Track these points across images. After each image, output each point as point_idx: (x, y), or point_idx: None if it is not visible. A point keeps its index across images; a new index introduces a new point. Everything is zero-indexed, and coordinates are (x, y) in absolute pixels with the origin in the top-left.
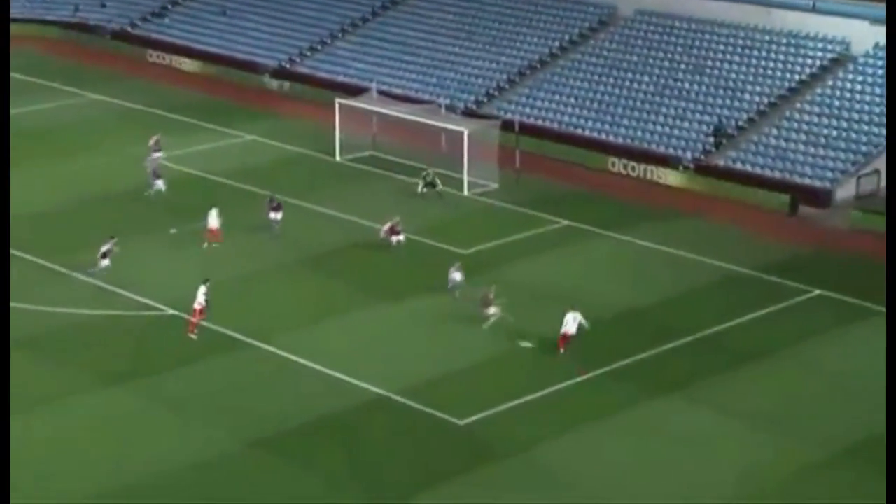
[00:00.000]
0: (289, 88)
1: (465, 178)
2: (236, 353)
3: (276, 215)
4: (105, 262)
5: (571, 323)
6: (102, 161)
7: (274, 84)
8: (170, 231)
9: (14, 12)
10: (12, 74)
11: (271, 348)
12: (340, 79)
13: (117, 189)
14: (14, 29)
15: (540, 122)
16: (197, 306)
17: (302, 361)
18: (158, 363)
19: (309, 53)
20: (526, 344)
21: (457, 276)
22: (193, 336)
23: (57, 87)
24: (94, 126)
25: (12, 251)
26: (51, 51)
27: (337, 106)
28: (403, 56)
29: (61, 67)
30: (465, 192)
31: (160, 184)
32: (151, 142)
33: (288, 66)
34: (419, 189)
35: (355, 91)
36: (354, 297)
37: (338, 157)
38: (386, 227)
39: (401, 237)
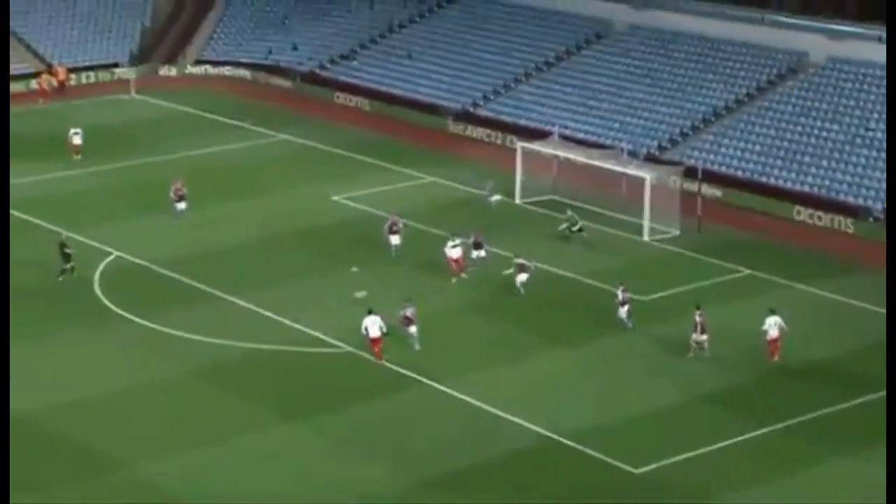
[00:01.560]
0: (470, 131)
1: (646, 224)
2: (410, 393)
3: (479, 252)
4: (412, 329)
5: (773, 327)
6: (288, 199)
7: (456, 127)
8: (351, 269)
9: (210, 55)
10: (206, 115)
11: (445, 388)
12: (522, 122)
13: (304, 226)
14: (208, 70)
15: (724, 170)
16: (374, 336)
17: (474, 402)
18: (333, 400)
19: (492, 97)
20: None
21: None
22: (382, 362)
23: (249, 127)
24: (281, 165)
25: (199, 285)
26: (242, 92)
27: (518, 149)
28: (587, 101)
29: (252, 108)
30: (646, 238)
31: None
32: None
33: (471, 109)
34: (564, 230)
35: (537, 135)
36: (528, 340)
37: (517, 200)
38: (386, 225)
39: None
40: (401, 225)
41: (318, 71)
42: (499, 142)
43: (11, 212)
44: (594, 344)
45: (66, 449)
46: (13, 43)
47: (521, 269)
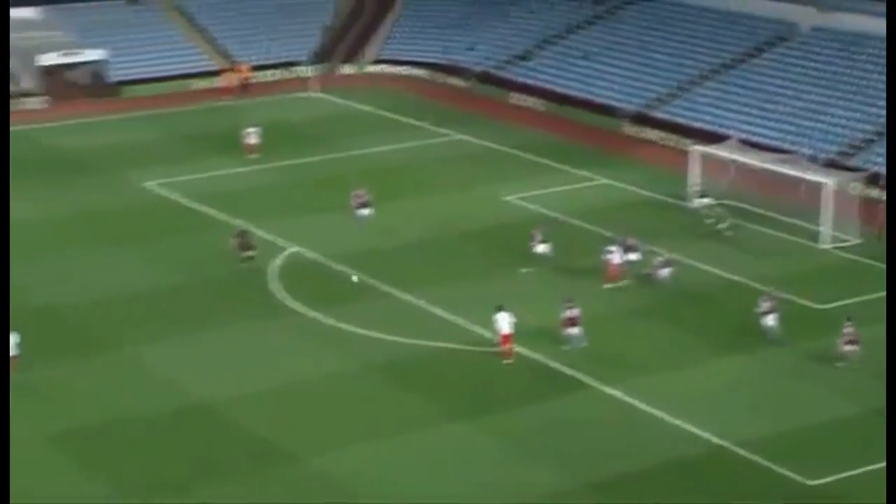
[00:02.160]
0: (645, 133)
1: (825, 230)
2: (577, 395)
3: (631, 256)
4: (575, 331)
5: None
6: (459, 199)
7: (631, 129)
8: (521, 270)
9: (388, 54)
10: (383, 113)
11: (612, 391)
12: (697, 125)
13: (475, 226)
14: (386, 69)
15: None
16: (505, 332)
17: (642, 406)
18: (500, 401)
19: (667, 99)
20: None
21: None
22: (509, 361)
23: (424, 126)
24: (454, 165)
25: (372, 281)
26: (419, 91)
27: (693, 152)
28: (764, 104)
29: (428, 107)
30: (824, 246)
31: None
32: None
33: (646, 111)
34: (710, 226)
35: (712, 138)
36: (694, 345)
37: (692, 204)
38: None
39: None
40: (540, 237)
41: (493, 71)
42: (673, 144)
43: (194, 206)
44: (763, 351)
45: (242, 439)
46: (201, 41)
47: (666, 263)
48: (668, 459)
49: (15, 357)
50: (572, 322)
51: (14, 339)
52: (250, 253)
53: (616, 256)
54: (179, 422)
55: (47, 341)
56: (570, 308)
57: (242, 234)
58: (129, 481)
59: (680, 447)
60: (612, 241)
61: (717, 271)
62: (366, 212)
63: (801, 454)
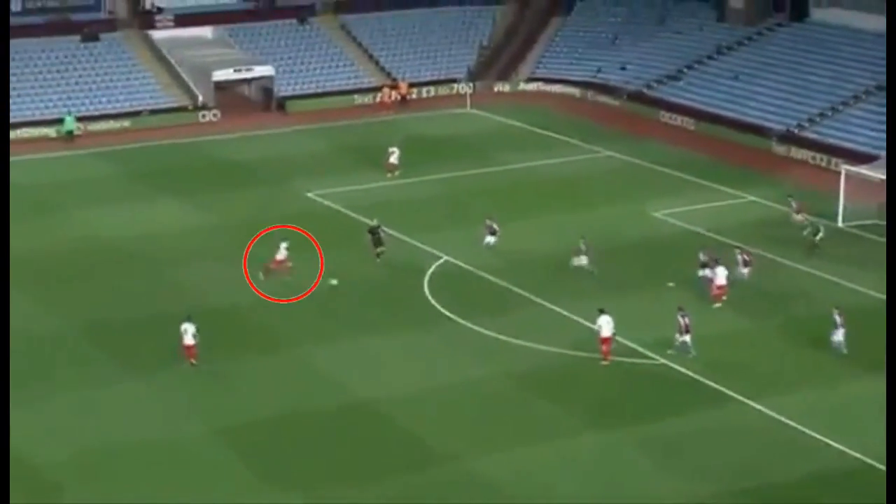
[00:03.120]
0: (794, 153)
1: None
2: (720, 408)
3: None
4: (687, 338)
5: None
6: (608, 214)
7: (780, 148)
8: (668, 285)
9: (542, 72)
10: (535, 129)
11: (757, 405)
12: (848, 146)
13: (623, 241)
14: (540, 87)
15: None
16: (605, 335)
17: (786, 421)
18: (643, 411)
19: (818, 119)
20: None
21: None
22: (606, 363)
23: (575, 142)
24: (604, 180)
25: (520, 291)
26: (570, 108)
27: (843, 173)
28: None
29: (579, 124)
30: None
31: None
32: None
33: (796, 130)
34: (807, 236)
35: (864, 158)
36: (844, 363)
37: (840, 223)
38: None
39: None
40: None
41: (644, 90)
42: (823, 164)
43: (354, 215)
44: None
45: (397, 438)
46: (363, 59)
47: (746, 263)
48: (812, 473)
49: (192, 346)
50: (685, 329)
51: (191, 329)
52: (382, 248)
53: (720, 276)
54: (338, 419)
55: (221, 339)
56: (683, 316)
57: (374, 230)
58: (289, 476)
59: (823, 462)
60: (704, 262)
61: (862, 289)
62: (492, 239)
63: None
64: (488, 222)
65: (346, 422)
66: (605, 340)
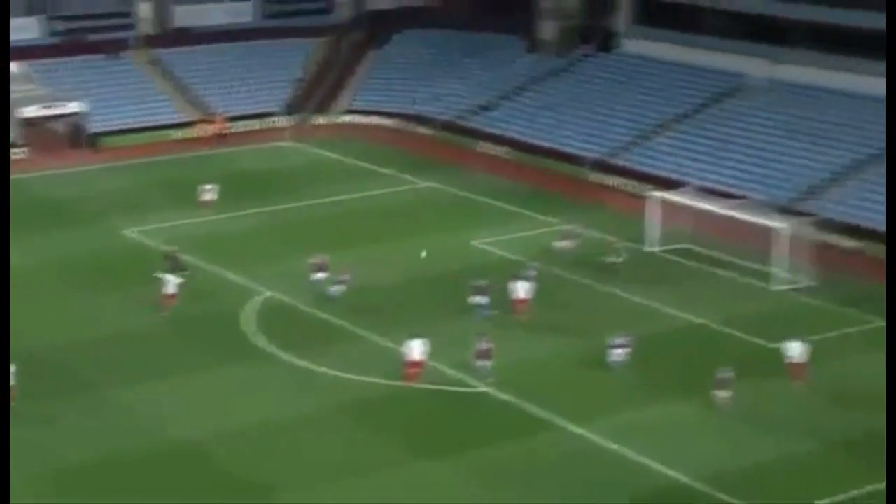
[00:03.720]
0: (608, 180)
1: (779, 273)
2: (543, 434)
3: (481, 299)
4: (487, 363)
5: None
6: (430, 244)
7: (594, 176)
8: (492, 313)
9: (359, 105)
10: (355, 162)
11: (582, 431)
12: (657, 172)
13: (446, 271)
14: (357, 119)
15: (860, 222)
16: (415, 359)
17: (608, 445)
18: (466, 439)
19: (629, 147)
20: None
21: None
22: (413, 385)
23: (393, 174)
24: (423, 211)
25: (343, 323)
26: (388, 140)
27: (653, 199)
28: (721, 152)
29: (397, 155)
30: (779, 288)
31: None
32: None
33: (608, 158)
34: (608, 262)
35: (672, 185)
36: (660, 385)
37: (651, 248)
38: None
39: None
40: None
41: (460, 121)
42: (634, 191)
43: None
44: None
45: (218, 477)
46: (178, 93)
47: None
48: (636, 495)
49: (14, 387)
50: (485, 354)
51: (12, 369)
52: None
53: (520, 291)
54: (159, 461)
55: (35, 381)
56: (484, 342)
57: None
58: None
59: (646, 484)
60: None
61: (676, 313)
62: (321, 275)
63: (759, 489)
64: (317, 260)
65: (165, 464)
66: (414, 364)
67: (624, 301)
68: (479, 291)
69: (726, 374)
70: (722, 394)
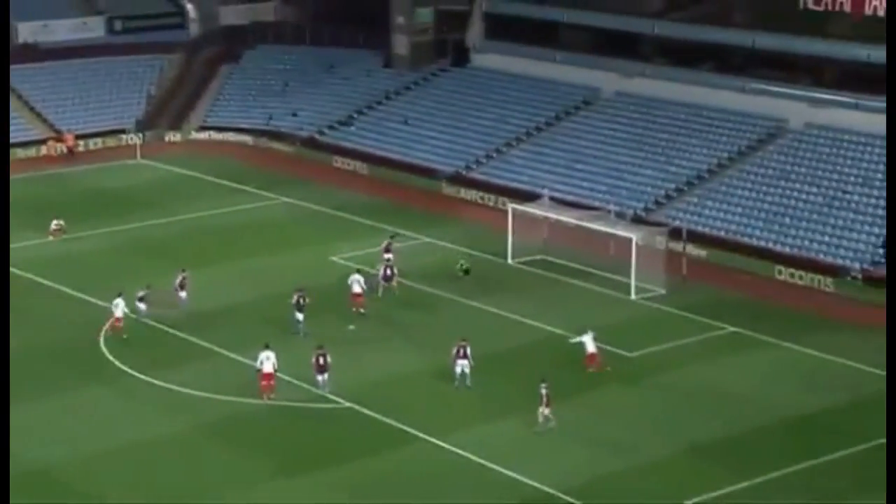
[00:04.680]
0: (464, 193)
1: (633, 282)
2: (408, 448)
3: (299, 315)
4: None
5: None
6: (287, 259)
7: (450, 189)
8: (348, 328)
9: (213, 121)
10: (210, 179)
11: (444, 444)
12: (513, 185)
13: (305, 286)
14: (212, 136)
15: (707, 231)
16: (268, 370)
17: (470, 457)
18: (332, 455)
19: (484, 161)
20: (351, 327)
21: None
22: (270, 399)
23: (250, 190)
24: (281, 227)
25: (202, 342)
26: (243, 156)
27: (510, 211)
28: (575, 164)
29: (253, 172)
30: (633, 297)
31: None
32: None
33: (464, 172)
34: (457, 271)
35: (528, 197)
36: (519, 396)
37: (509, 260)
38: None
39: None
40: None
41: (317, 136)
42: (491, 203)
43: (23, 274)
44: (581, 398)
45: (70, 500)
46: (24, 110)
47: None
48: None
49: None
50: (322, 368)
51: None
52: None
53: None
54: (13, 488)
55: None
56: (321, 354)
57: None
58: None
59: (514, 496)
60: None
61: (537, 324)
62: (184, 294)
63: (620, 496)
64: (180, 276)
65: (20, 491)
66: (267, 376)
67: (481, 312)
68: (300, 308)
69: (544, 389)
70: (544, 410)
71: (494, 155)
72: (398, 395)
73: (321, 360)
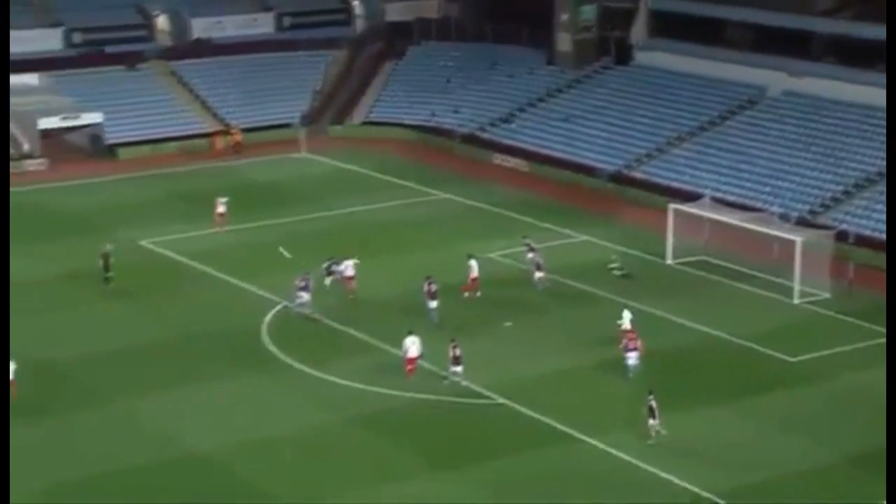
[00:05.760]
0: (624, 192)
1: (797, 286)
2: (562, 447)
3: (432, 303)
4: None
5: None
6: (444, 255)
7: (612, 188)
8: (504, 324)
9: (376, 116)
10: (371, 174)
11: (597, 443)
12: (675, 185)
13: (457, 281)
14: (377, 131)
15: (876, 234)
16: (413, 355)
17: (625, 458)
18: (485, 451)
19: (646, 159)
20: (508, 324)
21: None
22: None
23: (411, 185)
24: (439, 223)
25: (362, 336)
26: (405, 152)
27: (671, 211)
28: (739, 165)
29: (414, 167)
30: (795, 301)
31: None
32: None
33: (625, 170)
34: (612, 272)
35: (689, 197)
36: (682, 398)
37: (668, 261)
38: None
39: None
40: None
41: (477, 133)
42: (651, 203)
43: (188, 263)
44: (742, 403)
45: (236, 490)
46: (195, 104)
47: (538, 268)
48: None
49: (14, 382)
50: (456, 360)
51: (13, 366)
52: (109, 275)
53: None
54: (173, 473)
55: (44, 394)
56: (455, 347)
57: (106, 255)
58: None
59: (668, 499)
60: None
61: (697, 326)
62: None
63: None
64: (325, 264)
65: (182, 474)
66: (411, 360)
67: (638, 312)
68: (432, 296)
69: (652, 402)
70: (651, 422)
71: (656, 154)
72: (552, 392)
73: (456, 353)
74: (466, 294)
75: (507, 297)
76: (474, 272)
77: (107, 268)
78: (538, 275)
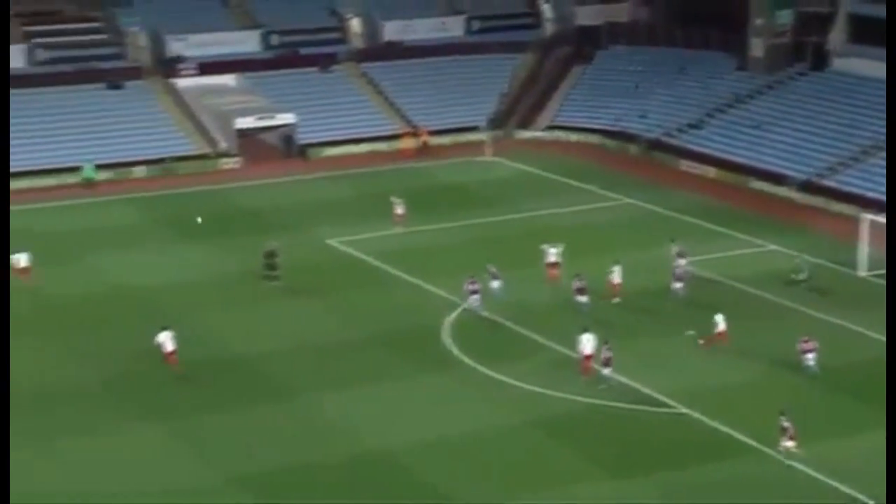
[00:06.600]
0: (815, 201)
1: None
2: (744, 457)
3: (581, 298)
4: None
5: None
6: (630, 259)
7: (801, 196)
8: (686, 333)
9: (562, 120)
10: (554, 177)
11: (776, 455)
12: (870, 195)
13: (656, 287)
14: (560, 135)
15: None
16: (587, 353)
17: (809, 471)
18: (665, 459)
19: (838, 168)
20: (690, 332)
21: None
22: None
23: (595, 190)
24: (622, 228)
25: (538, 338)
26: (590, 156)
27: (863, 221)
28: None
29: (599, 172)
30: None
31: (678, 287)
32: (674, 251)
33: (816, 179)
34: (791, 278)
35: (884, 207)
36: (856, 412)
37: (860, 272)
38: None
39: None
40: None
41: (664, 138)
42: (843, 212)
43: (374, 263)
44: None
45: (413, 488)
46: (385, 106)
47: (678, 279)
48: None
49: (174, 351)
50: (607, 362)
51: (169, 335)
52: (274, 273)
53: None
54: (354, 470)
55: (237, 387)
56: (607, 349)
57: (270, 254)
58: None
59: None
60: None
61: (882, 338)
62: (497, 284)
63: None
64: (491, 269)
65: (362, 471)
66: (587, 358)
67: (825, 323)
68: (581, 291)
69: (785, 422)
70: (787, 443)
71: (850, 163)
72: (735, 402)
73: (607, 355)
74: (616, 300)
75: (692, 301)
76: (616, 278)
77: (272, 266)
78: (676, 285)
